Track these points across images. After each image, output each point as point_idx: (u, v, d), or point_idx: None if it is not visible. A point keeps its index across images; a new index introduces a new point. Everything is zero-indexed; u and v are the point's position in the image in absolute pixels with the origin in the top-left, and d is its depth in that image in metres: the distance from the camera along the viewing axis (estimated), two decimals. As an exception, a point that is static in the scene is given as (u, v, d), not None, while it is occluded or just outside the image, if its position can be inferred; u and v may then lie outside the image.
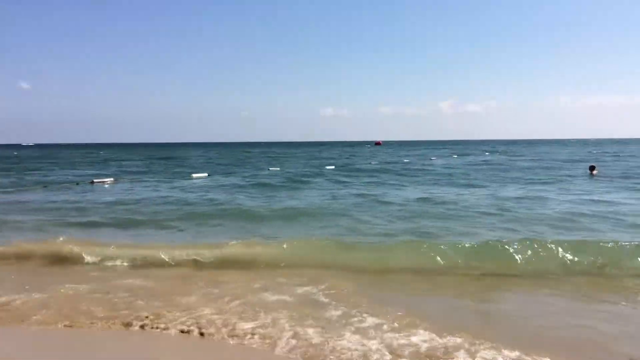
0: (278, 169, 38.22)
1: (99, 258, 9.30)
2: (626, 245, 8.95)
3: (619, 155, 55.98)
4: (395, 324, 6.07)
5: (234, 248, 9.65)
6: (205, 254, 9.26)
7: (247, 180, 28.17)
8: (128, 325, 6.20)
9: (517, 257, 8.66)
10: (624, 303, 7.06)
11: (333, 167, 41.68)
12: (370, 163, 47.10)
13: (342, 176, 30.60)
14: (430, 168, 37.77)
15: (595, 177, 27.01)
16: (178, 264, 9.10)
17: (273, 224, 13.38)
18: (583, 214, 13.63)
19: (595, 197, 17.52)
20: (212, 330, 6.02)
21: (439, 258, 8.64)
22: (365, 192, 20.75)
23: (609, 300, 7.20)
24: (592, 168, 30.16)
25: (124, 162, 51.77)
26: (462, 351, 5.30)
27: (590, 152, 69.36)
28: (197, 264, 9.05)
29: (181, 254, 9.33)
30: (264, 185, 24.75)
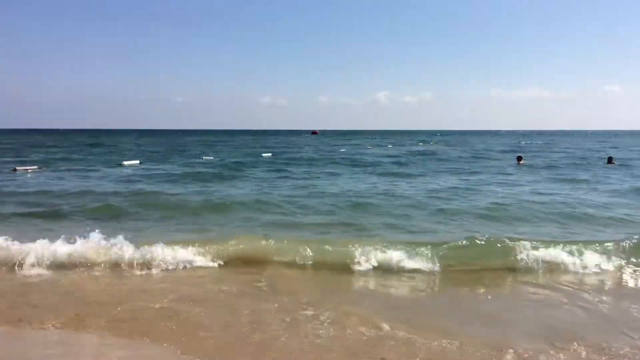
0: (212, 157, 37.34)
1: (19, 255, 8.43)
2: (557, 241, 9.25)
3: (544, 147, 59.31)
4: (332, 317, 6.06)
5: (171, 242, 9.18)
6: (141, 248, 8.62)
7: (181, 168, 27.47)
8: (25, 323, 5.87)
9: (453, 253, 8.69)
10: (548, 294, 7.38)
11: (270, 154, 41.47)
12: (307, 152, 47.09)
13: (278, 165, 30.46)
14: (366, 158, 38.16)
15: (521, 167, 28.46)
16: (108, 259, 8.49)
17: (208, 215, 12.96)
18: (508, 205, 14.09)
19: (522, 189, 18.34)
20: (125, 327, 5.77)
21: (379, 253, 8.58)
22: (302, 182, 20.68)
23: (533, 292, 7.52)
24: (519, 158, 31.94)
25: (50, 149, 49.03)
26: (399, 342, 5.35)
27: (519, 143, 72.52)
28: (130, 260, 8.41)
29: (113, 247, 8.72)
30: (198, 174, 24.15)
